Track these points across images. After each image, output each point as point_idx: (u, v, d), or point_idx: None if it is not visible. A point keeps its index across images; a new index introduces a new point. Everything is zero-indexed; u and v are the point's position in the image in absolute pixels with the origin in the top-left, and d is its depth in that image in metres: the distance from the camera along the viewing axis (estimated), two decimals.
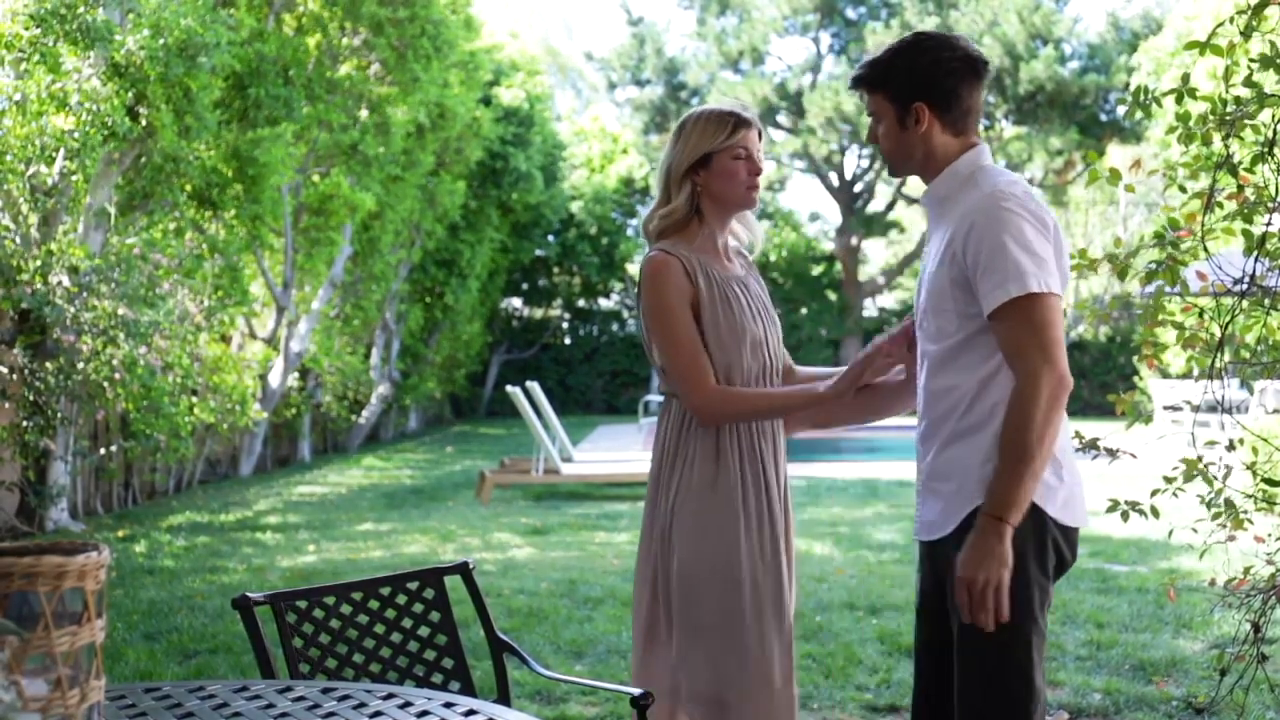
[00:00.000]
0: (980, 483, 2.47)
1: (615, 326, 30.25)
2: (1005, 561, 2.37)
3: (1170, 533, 4.27)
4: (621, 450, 16.61)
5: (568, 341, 30.30)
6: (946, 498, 2.56)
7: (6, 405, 9.05)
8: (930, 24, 26.49)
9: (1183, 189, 3.76)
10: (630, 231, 29.70)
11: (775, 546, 2.84)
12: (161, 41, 9.17)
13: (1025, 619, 2.46)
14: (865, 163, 30.14)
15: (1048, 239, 2.49)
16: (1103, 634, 5.75)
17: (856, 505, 10.93)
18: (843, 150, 29.29)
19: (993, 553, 2.37)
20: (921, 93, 2.58)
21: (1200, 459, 3.87)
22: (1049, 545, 2.50)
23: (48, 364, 9.02)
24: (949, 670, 2.60)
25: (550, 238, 28.13)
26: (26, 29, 8.40)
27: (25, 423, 9.03)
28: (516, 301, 30.01)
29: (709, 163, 2.90)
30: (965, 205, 2.53)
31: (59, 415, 9.22)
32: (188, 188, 10.98)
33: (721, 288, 2.89)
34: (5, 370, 9.04)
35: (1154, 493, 3.80)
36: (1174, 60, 19.78)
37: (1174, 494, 3.84)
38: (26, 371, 9.03)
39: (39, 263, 8.89)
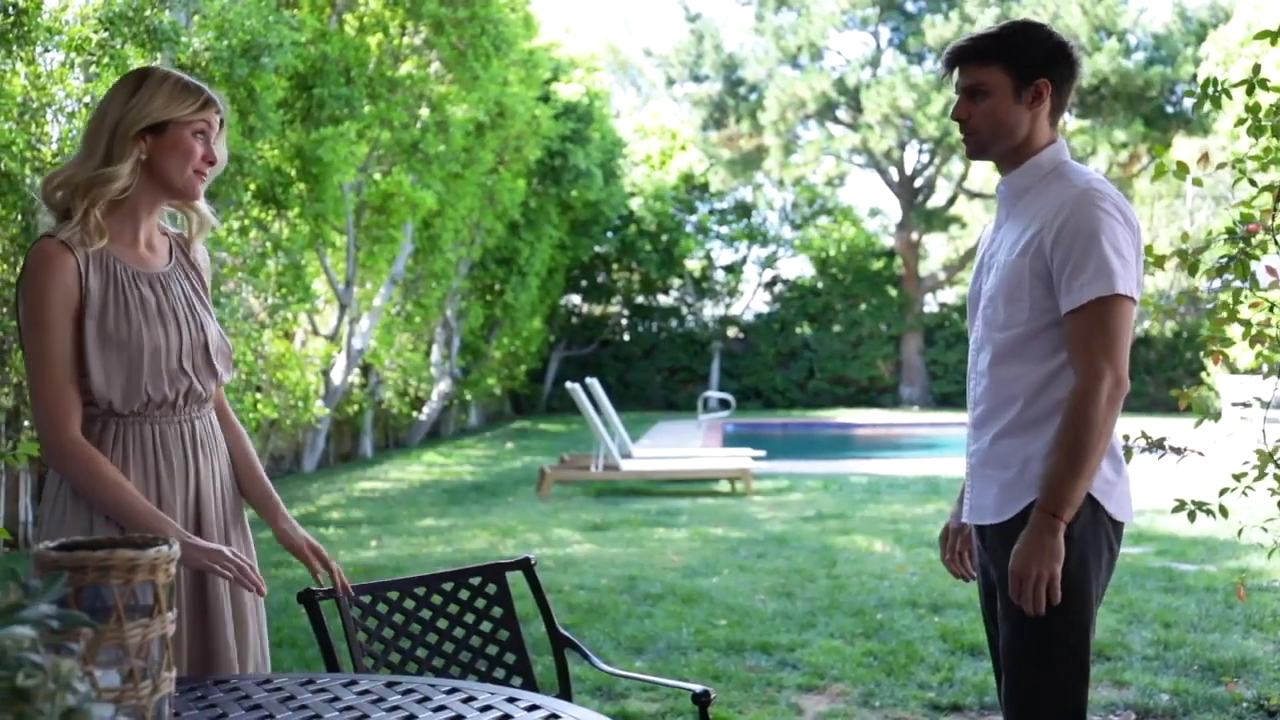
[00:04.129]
0: (1042, 475, 2.49)
1: (674, 323, 30.22)
2: (1058, 556, 2.43)
3: (1240, 531, 4.20)
4: (681, 447, 16.61)
5: (627, 338, 30.30)
6: (1004, 485, 2.57)
7: None
8: (991, 15, 26.12)
9: (1253, 182, 3.70)
10: (690, 228, 29.63)
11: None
12: (226, 43, 9.29)
13: (1084, 609, 2.51)
14: (925, 158, 29.86)
15: (1134, 243, 2.51)
16: (1170, 634, 5.66)
17: (917, 502, 10.85)
18: (902, 145, 29.00)
19: (1046, 548, 2.43)
20: (1048, 69, 2.59)
21: (1277, 449, 3.81)
22: (1104, 539, 2.54)
23: None
24: None
25: (610, 234, 28.15)
26: (96, 32, 8.55)
27: None
28: (576, 298, 30.05)
29: (164, 130, 2.48)
30: (1054, 199, 2.52)
31: None
32: (252, 186, 11.12)
33: (124, 289, 2.46)
34: None
35: (1222, 491, 3.74)
36: (1243, 50, 19.41)
37: (1244, 493, 3.78)
38: None
39: None
